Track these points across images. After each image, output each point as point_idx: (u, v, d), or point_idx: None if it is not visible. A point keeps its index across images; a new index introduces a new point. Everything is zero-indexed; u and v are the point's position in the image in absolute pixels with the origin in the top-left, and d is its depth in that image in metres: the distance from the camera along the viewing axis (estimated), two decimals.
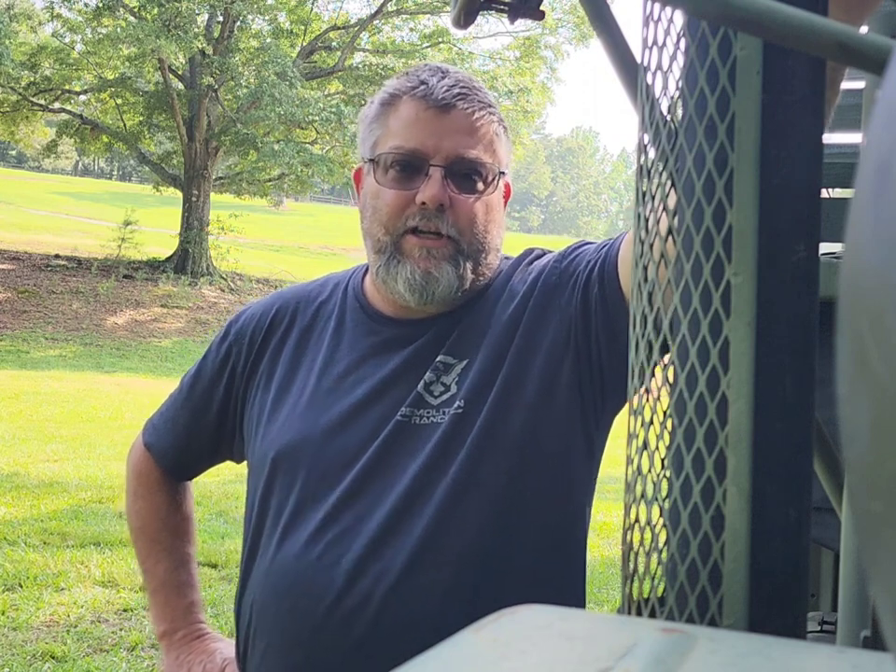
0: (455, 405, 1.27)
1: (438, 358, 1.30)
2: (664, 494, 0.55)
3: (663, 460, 0.55)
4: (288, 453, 1.32)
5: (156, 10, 18.65)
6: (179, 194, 21.45)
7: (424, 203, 1.26)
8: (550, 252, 1.40)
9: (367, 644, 1.20)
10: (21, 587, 4.66)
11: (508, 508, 1.26)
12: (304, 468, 1.30)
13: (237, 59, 20.00)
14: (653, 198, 0.58)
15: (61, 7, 20.68)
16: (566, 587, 1.31)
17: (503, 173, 1.34)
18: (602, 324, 1.24)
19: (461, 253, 1.29)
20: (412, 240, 1.28)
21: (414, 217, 1.28)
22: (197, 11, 19.37)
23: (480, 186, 1.30)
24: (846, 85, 1.72)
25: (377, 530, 1.23)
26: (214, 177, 21.08)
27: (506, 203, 1.38)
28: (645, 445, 0.56)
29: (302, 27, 21.63)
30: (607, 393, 1.28)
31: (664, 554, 0.55)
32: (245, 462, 1.48)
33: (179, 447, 1.53)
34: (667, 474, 0.55)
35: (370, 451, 1.27)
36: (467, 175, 1.29)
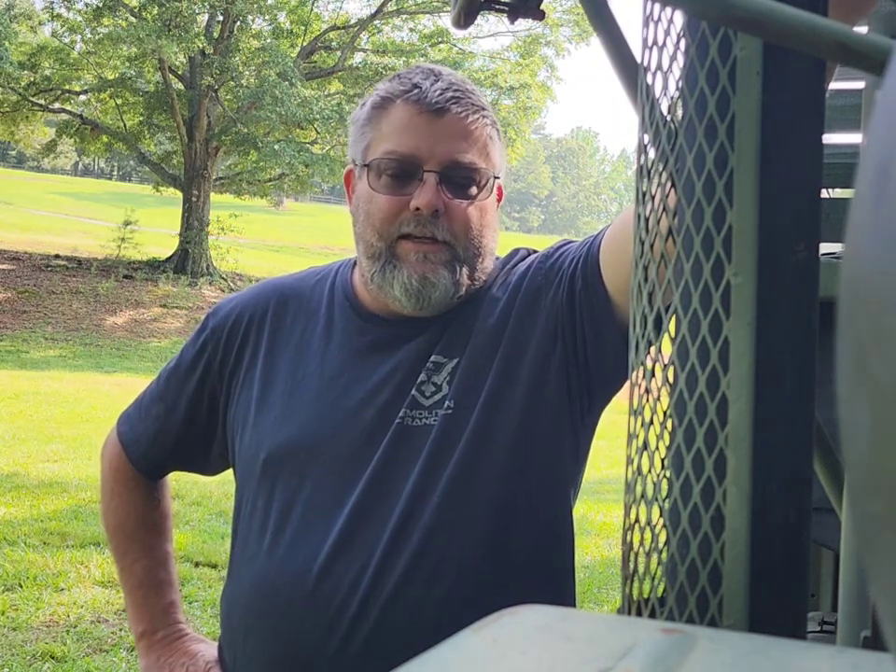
0: (445, 406, 1.26)
1: (431, 359, 1.29)
2: (664, 494, 0.55)
3: (663, 460, 0.55)
4: (282, 455, 1.30)
5: (156, 10, 18.65)
6: (179, 194, 21.44)
7: (418, 209, 1.25)
8: (535, 252, 1.39)
9: (367, 657, 1.20)
10: (21, 587, 4.65)
11: (504, 509, 1.26)
12: (300, 473, 1.28)
13: (237, 59, 19.99)
14: (653, 198, 0.58)
15: (60, 6, 20.68)
16: (559, 588, 1.31)
17: (497, 177, 1.32)
18: (587, 320, 1.24)
19: (457, 258, 1.28)
20: (407, 245, 1.27)
21: (409, 223, 1.26)
22: (197, 11, 19.37)
23: (474, 191, 1.28)
24: (845, 85, 1.72)
25: (379, 546, 1.23)
26: (214, 177, 21.06)
27: (498, 205, 1.37)
28: (645, 445, 0.56)
29: (302, 27, 21.61)
30: (593, 391, 1.28)
31: (664, 555, 0.55)
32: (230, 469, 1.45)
33: (149, 441, 1.49)
34: (667, 474, 0.55)
35: (374, 461, 1.26)
36: (461, 179, 1.27)
